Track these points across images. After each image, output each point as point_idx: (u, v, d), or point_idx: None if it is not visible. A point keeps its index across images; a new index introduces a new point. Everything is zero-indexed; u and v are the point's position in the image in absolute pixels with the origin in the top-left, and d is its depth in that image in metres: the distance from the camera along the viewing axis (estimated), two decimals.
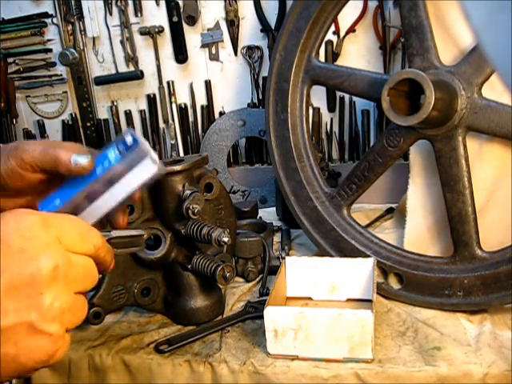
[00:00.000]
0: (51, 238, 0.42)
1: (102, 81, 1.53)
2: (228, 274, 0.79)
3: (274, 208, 1.36)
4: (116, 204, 0.56)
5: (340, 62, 1.37)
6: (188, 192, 0.79)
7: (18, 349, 0.39)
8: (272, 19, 1.39)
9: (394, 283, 0.91)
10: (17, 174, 0.57)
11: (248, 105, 1.46)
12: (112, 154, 0.56)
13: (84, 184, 0.57)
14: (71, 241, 0.43)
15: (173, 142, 1.54)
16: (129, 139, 0.55)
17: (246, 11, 1.41)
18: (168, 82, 1.50)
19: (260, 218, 1.27)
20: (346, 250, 0.96)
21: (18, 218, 0.41)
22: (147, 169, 0.54)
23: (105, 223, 0.61)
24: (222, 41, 1.44)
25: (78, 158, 0.55)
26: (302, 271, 0.91)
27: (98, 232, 0.47)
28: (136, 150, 0.54)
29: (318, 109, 1.41)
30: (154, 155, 0.54)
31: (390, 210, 1.27)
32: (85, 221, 0.47)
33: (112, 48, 1.50)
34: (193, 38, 1.46)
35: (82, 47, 1.51)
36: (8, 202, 0.62)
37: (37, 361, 0.41)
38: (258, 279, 1.01)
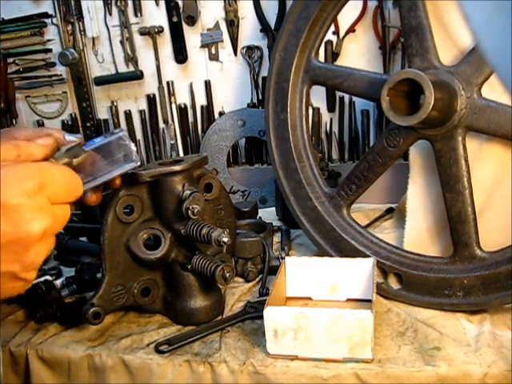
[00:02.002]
0: (44, 202, 0.48)
1: (101, 81, 1.53)
2: (228, 274, 0.79)
3: (274, 208, 1.36)
4: (96, 183, 0.66)
5: (340, 62, 1.37)
6: (188, 192, 0.79)
7: (1, 288, 0.48)
8: (272, 19, 1.39)
9: (393, 283, 0.91)
10: None
11: (248, 105, 1.47)
12: (98, 139, 0.66)
13: None
14: (60, 195, 0.50)
15: (172, 142, 1.54)
16: (115, 130, 0.67)
17: (246, 11, 1.41)
18: (168, 82, 1.50)
19: (260, 218, 1.27)
20: (345, 250, 0.96)
21: (18, 180, 0.47)
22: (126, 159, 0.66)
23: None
24: (222, 41, 1.44)
25: (70, 136, 0.63)
26: (301, 271, 0.91)
27: (81, 183, 0.54)
28: (118, 137, 0.66)
29: (318, 109, 1.41)
30: (134, 148, 0.66)
31: (389, 210, 1.27)
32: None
33: (112, 48, 1.50)
34: (192, 38, 1.46)
35: (81, 47, 1.51)
36: None
37: (11, 295, 0.51)
38: (257, 279, 1.01)
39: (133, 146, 0.66)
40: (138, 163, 0.67)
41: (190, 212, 0.77)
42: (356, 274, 0.89)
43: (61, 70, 1.55)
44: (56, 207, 0.50)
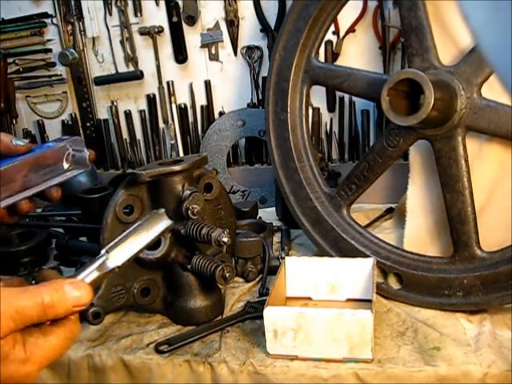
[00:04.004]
0: None
1: (101, 81, 1.53)
2: (227, 274, 0.79)
3: (274, 208, 1.36)
4: (38, 190, 0.63)
5: (340, 62, 1.37)
6: (188, 192, 0.79)
7: None
8: (272, 19, 1.39)
9: (393, 283, 0.91)
10: None
11: (248, 105, 1.46)
12: (50, 143, 0.63)
13: (13, 160, 0.62)
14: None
15: (172, 142, 1.54)
16: (66, 137, 0.64)
17: (246, 11, 1.41)
18: (168, 82, 1.50)
19: (260, 218, 1.27)
20: (345, 250, 0.96)
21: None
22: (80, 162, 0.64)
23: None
24: (222, 41, 1.44)
25: (17, 140, 0.61)
26: (301, 271, 0.91)
27: (26, 306, 0.45)
28: (60, 146, 0.63)
29: (318, 109, 1.41)
30: (81, 154, 0.63)
31: (389, 210, 1.27)
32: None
33: (112, 48, 1.50)
34: (192, 38, 1.46)
35: (81, 47, 1.51)
36: None
37: None
38: (257, 279, 1.01)
39: (73, 153, 0.62)
40: (79, 171, 0.65)
41: (189, 212, 0.77)
42: (356, 274, 0.89)
43: (61, 69, 1.55)
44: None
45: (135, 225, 0.57)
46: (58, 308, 0.46)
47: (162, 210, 0.60)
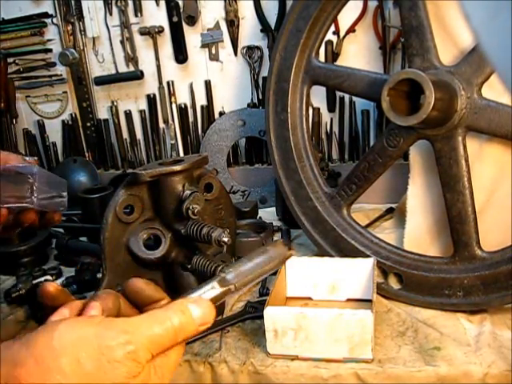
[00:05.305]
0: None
1: (102, 81, 1.53)
2: None
3: (274, 208, 1.36)
4: None
5: (340, 62, 1.37)
6: (188, 192, 0.79)
7: None
8: (272, 19, 1.39)
9: (393, 283, 0.91)
10: None
11: (248, 105, 1.46)
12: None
13: None
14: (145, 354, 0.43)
15: (173, 142, 1.54)
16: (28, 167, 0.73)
17: (246, 11, 1.41)
18: (168, 82, 1.50)
19: (260, 218, 1.27)
20: (345, 250, 0.96)
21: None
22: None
23: None
24: (222, 41, 1.44)
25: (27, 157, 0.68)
26: (301, 271, 0.91)
27: (160, 333, 0.44)
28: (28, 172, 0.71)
29: (318, 109, 1.41)
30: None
31: (390, 210, 1.27)
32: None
33: (112, 48, 1.50)
34: (193, 37, 1.46)
35: (81, 47, 1.51)
36: None
37: None
38: None
39: (35, 188, 0.68)
40: (29, 205, 0.70)
41: (190, 212, 0.77)
42: (356, 273, 0.89)
43: (61, 69, 1.55)
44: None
45: (261, 254, 0.53)
46: (187, 330, 0.45)
47: (281, 242, 0.57)
